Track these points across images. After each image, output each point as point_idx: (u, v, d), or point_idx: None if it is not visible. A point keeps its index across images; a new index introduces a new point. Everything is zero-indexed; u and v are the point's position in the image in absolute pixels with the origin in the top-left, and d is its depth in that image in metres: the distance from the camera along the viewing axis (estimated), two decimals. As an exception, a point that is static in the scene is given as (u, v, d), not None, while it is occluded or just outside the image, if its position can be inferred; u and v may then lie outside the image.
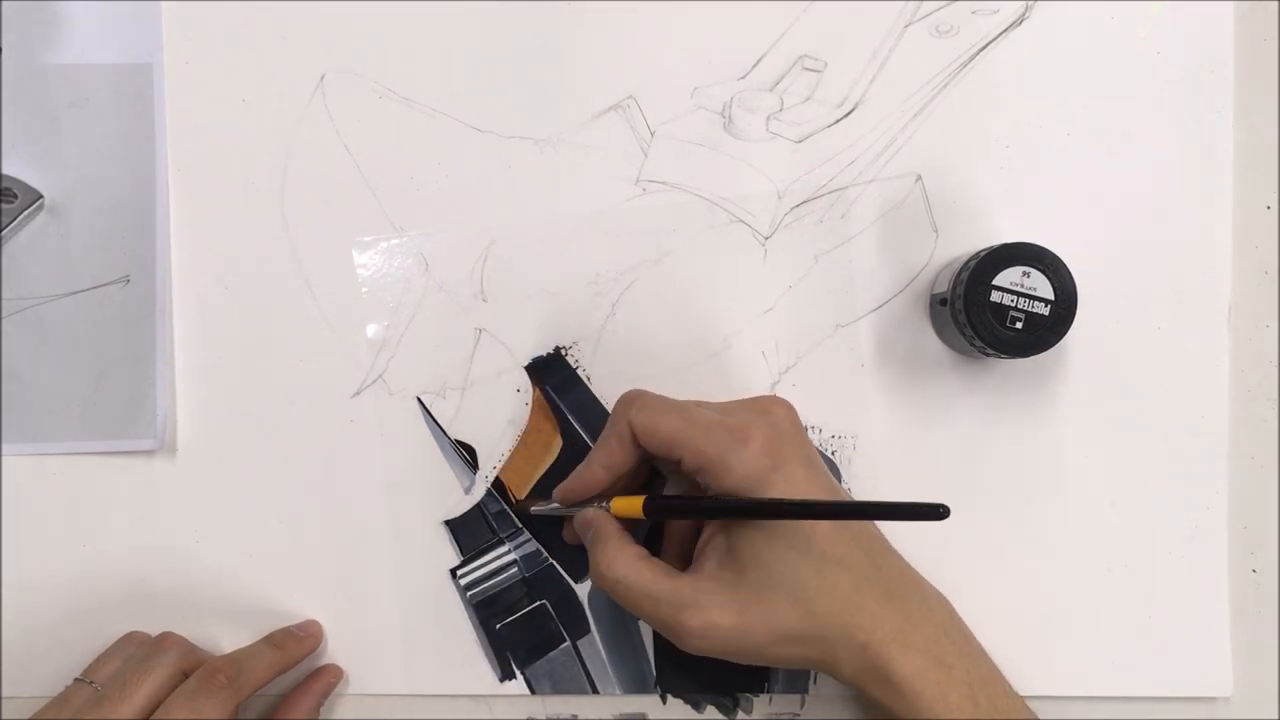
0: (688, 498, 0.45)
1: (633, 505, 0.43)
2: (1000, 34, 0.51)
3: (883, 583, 0.42)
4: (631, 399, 0.44)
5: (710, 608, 0.41)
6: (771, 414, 0.43)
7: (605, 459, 0.44)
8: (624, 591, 0.42)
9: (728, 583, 0.41)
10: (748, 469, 0.41)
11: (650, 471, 0.48)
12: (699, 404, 0.44)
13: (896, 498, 0.50)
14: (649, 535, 0.49)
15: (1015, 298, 0.45)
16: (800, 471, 0.42)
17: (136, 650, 0.48)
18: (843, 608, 0.41)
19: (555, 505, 0.47)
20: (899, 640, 0.41)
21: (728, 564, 0.42)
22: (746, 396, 0.46)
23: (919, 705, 0.41)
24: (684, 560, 0.46)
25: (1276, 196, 0.50)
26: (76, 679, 0.47)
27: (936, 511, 0.35)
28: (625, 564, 0.42)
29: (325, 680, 0.50)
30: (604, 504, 0.45)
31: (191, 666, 0.47)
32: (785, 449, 0.42)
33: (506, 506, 0.51)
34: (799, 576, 0.41)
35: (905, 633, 0.42)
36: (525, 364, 0.51)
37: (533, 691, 0.51)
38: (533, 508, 0.49)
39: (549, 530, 0.51)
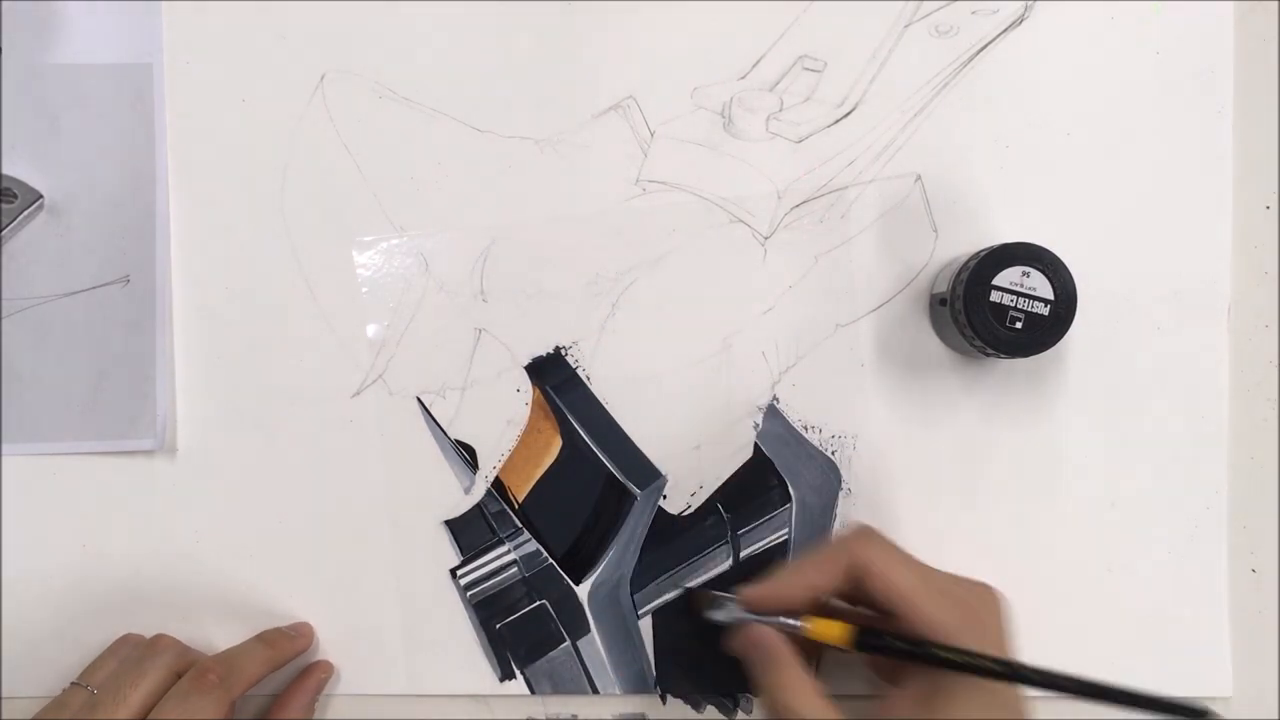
0: (913, 638, 0.41)
1: (836, 633, 0.42)
2: (1000, 34, 0.50)
3: None
4: (868, 535, 0.43)
5: None
6: (997, 603, 0.42)
7: (815, 581, 0.43)
8: (783, 705, 0.41)
9: (912, 710, 0.41)
10: (973, 646, 0.40)
11: None
12: (930, 567, 0.43)
13: (896, 497, 0.50)
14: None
15: (1015, 298, 0.45)
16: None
17: (130, 652, 0.48)
18: None
19: (737, 609, 0.44)
20: None
21: (930, 693, 0.41)
22: (960, 575, 0.43)
23: None
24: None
25: (1276, 196, 0.50)
26: (72, 683, 0.47)
27: (1204, 715, 0.34)
28: (807, 700, 0.41)
29: (316, 677, 0.50)
30: (793, 620, 0.43)
31: (185, 667, 0.47)
32: (1009, 644, 0.42)
33: (506, 506, 0.51)
34: None
35: None
36: (525, 364, 0.51)
37: (533, 691, 0.51)
38: (709, 612, 0.45)
39: (549, 531, 0.51)
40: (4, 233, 0.51)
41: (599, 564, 0.51)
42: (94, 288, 0.51)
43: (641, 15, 0.51)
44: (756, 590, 0.44)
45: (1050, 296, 0.45)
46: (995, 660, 0.39)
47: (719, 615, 0.45)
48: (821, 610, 0.44)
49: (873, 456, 0.50)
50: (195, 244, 0.52)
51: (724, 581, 0.51)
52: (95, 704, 0.45)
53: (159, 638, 0.49)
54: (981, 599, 0.43)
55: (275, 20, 0.52)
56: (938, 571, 0.43)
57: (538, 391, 0.51)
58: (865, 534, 0.43)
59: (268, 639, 0.49)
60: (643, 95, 0.51)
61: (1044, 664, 0.39)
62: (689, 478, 0.51)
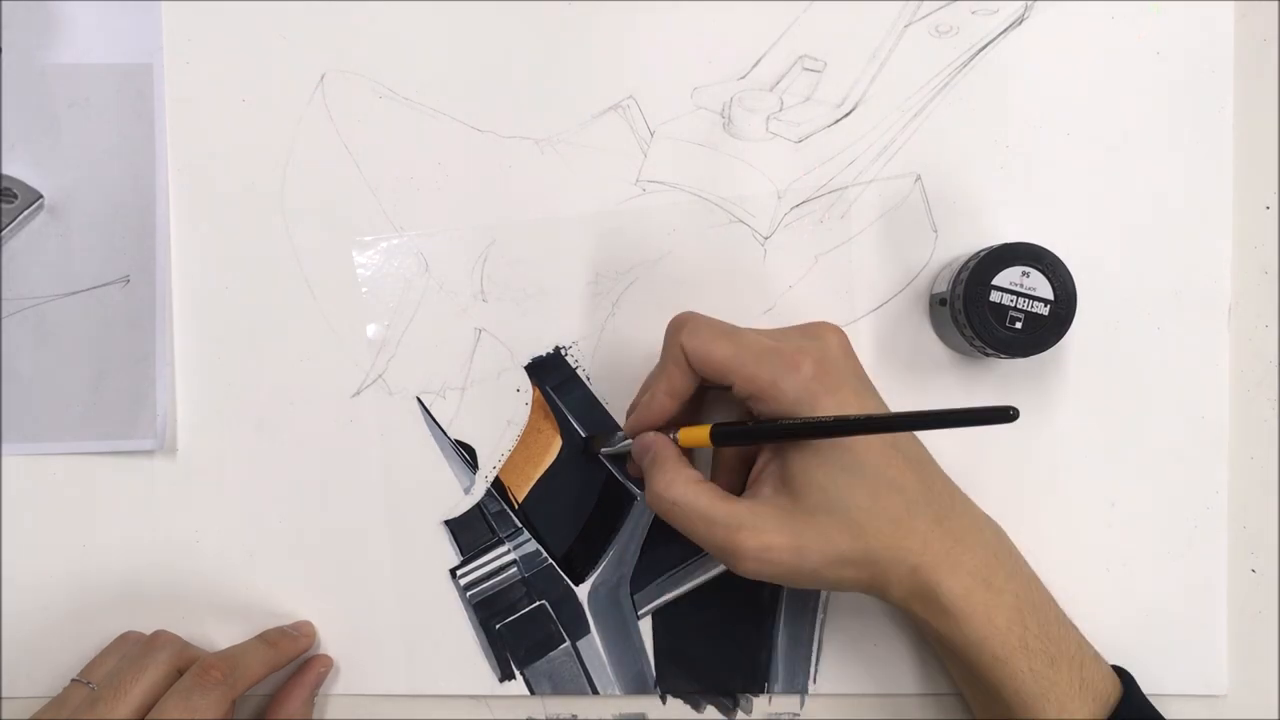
0: (754, 424, 0.44)
1: (699, 435, 0.44)
2: (1000, 34, 0.50)
3: (934, 505, 0.43)
4: (682, 322, 0.44)
5: (767, 531, 0.41)
6: (823, 339, 0.43)
7: (668, 386, 0.44)
8: (681, 513, 0.43)
9: (783, 507, 0.42)
10: (799, 393, 0.41)
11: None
12: (750, 330, 0.44)
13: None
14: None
15: (1015, 298, 0.45)
16: (851, 396, 0.42)
17: (131, 649, 0.48)
18: (894, 530, 0.41)
19: (625, 440, 0.48)
20: (948, 562, 0.42)
21: (783, 489, 0.43)
22: (798, 325, 0.45)
23: (966, 627, 0.41)
24: (736, 490, 0.46)
25: (1276, 196, 0.50)
26: (73, 680, 0.47)
27: (1005, 414, 0.34)
28: (683, 485, 0.43)
29: (315, 672, 0.50)
30: (671, 435, 0.45)
31: (185, 664, 0.47)
32: (836, 373, 0.42)
33: (506, 506, 0.51)
34: (853, 500, 0.41)
35: (954, 555, 0.42)
36: (525, 364, 0.51)
37: (532, 692, 0.51)
38: (602, 449, 0.49)
39: (548, 531, 0.51)
40: (4, 233, 0.51)
41: (599, 564, 0.51)
42: (94, 288, 0.51)
43: (641, 15, 0.51)
44: (632, 418, 0.47)
45: (1050, 296, 0.45)
46: (814, 423, 0.41)
47: (610, 448, 0.49)
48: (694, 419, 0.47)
49: (873, 456, 0.50)
50: (195, 244, 0.52)
51: (727, 580, 0.51)
52: (96, 700, 0.45)
53: (159, 634, 0.49)
54: (808, 338, 0.43)
55: (275, 20, 0.52)
56: (766, 330, 0.44)
57: (538, 391, 0.51)
58: (680, 321, 0.45)
59: (270, 638, 0.49)
60: (643, 95, 0.51)
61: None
62: (689, 478, 0.51)
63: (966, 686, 0.46)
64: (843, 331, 0.44)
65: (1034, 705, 0.41)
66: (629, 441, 0.47)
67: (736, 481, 0.47)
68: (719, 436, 0.43)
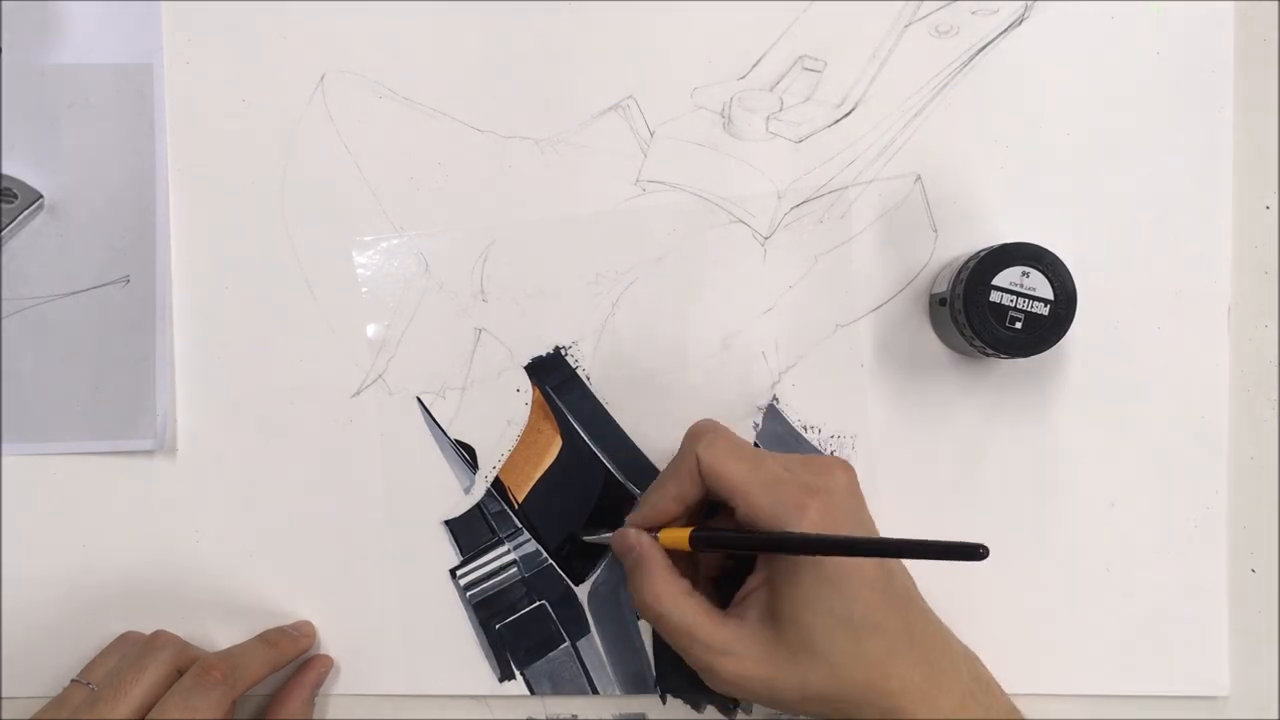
0: (735, 532, 0.44)
1: (679, 537, 0.44)
2: (1000, 34, 0.50)
3: (914, 646, 0.42)
4: (702, 431, 0.44)
5: (746, 659, 0.42)
6: (832, 477, 0.43)
7: (678, 491, 0.44)
8: (666, 626, 0.43)
9: (766, 639, 0.42)
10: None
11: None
12: (767, 454, 0.44)
13: (895, 497, 0.50)
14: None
15: (1015, 298, 0.45)
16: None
17: (131, 649, 0.48)
18: (873, 673, 0.41)
19: (607, 534, 0.48)
20: (925, 704, 0.42)
21: (768, 619, 0.42)
22: (810, 455, 0.45)
23: None
24: (712, 587, 0.47)
25: (1276, 196, 0.50)
26: (73, 680, 0.47)
27: (975, 552, 0.35)
28: (671, 599, 0.43)
29: (316, 672, 0.50)
30: (652, 533, 0.45)
31: (186, 664, 0.47)
32: (839, 515, 0.42)
33: (506, 506, 0.51)
34: (835, 643, 0.41)
35: (931, 696, 0.42)
36: (525, 364, 0.51)
37: (532, 692, 0.51)
38: (586, 536, 0.50)
39: (548, 531, 0.51)
40: (4, 233, 0.51)
41: (599, 564, 0.51)
42: (94, 288, 0.51)
43: (641, 15, 0.51)
44: (636, 514, 0.46)
45: (1050, 296, 0.45)
46: (798, 538, 0.40)
47: (592, 538, 0.49)
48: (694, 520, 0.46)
49: (872, 456, 0.50)
50: (195, 244, 0.52)
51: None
52: (96, 700, 0.45)
53: (159, 634, 0.49)
54: (818, 475, 0.43)
55: (275, 20, 0.52)
56: (780, 458, 0.44)
57: (538, 391, 0.51)
58: (700, 430, 0.45)
59: (270, 639, 0.49)
60: (643, 95, 0.51)
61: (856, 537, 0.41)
62: (689, 478, 0.51)
63: None
64: (853, 470, 0.44)
65: None
66: (609, 535, 0.47)
67: (715, 580, 0.47)
68: (699, 541, 0.43)
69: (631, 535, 0.45)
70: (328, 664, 0.51)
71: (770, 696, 0.42)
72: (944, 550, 0.36)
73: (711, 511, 0.47)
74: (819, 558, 0.41)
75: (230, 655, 0.48)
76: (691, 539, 0.43)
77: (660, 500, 0.45)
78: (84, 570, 0.51)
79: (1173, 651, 0.50)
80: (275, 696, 0.50)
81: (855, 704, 0.42)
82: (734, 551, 0.46)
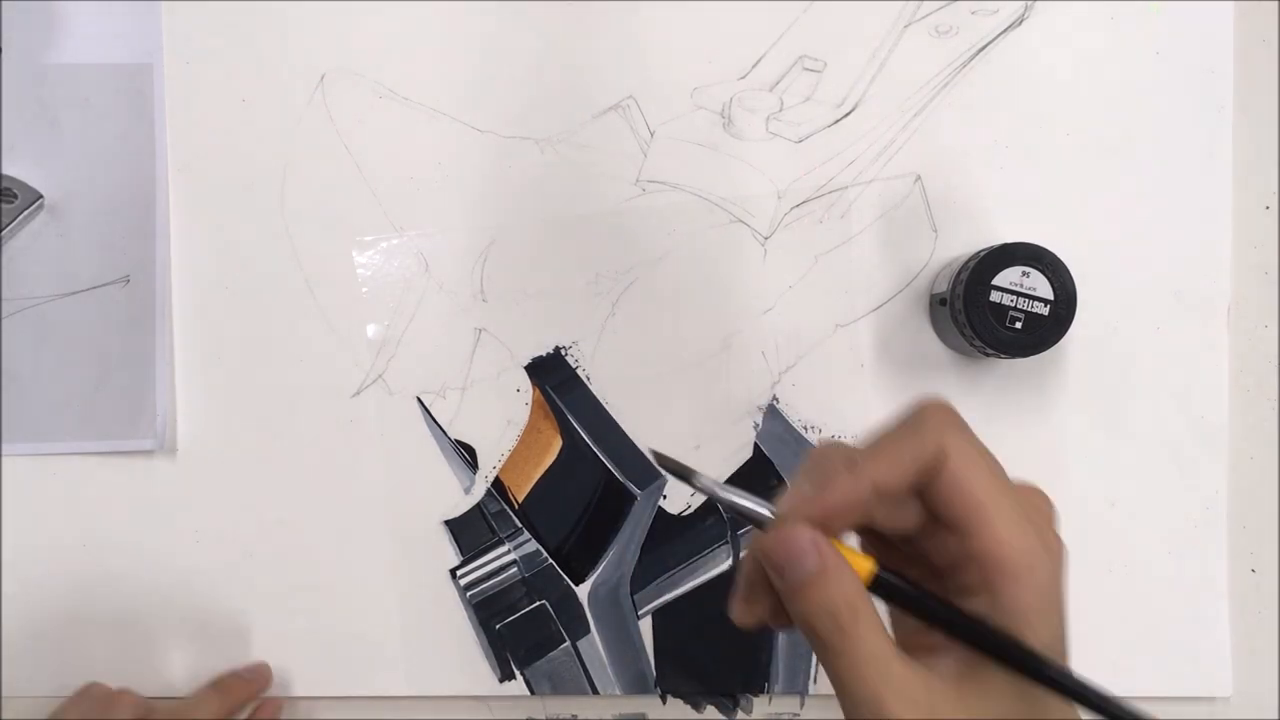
0: (944, 601, 0.30)
1: (857, 569, 0.30)
2: (1000, 34, 0.50)
3: None
4: (947, 418, 0.31)
5: (931, 715, 0.29)
6: (1058, 546, 0.32)
7: (886, 477, 0.30)
8: (849, 645, 0.29)
9: (958, 702, 0.30)
10: (1041, 595, 0.30)
11: None
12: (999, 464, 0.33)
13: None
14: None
15: (1015, 298, 0.45)
16: (1059, 630, 0.31)
17: (93, 707, 0.48)
18: None
19: (766, 509, 0.31)
20: None
21: (969, 679, 0.30)
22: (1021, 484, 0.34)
23: None
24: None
25: (1276, 196, 0.50)
26: None
27: None
28: (868, 624, 0.29)
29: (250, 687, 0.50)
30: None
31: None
32: (1058, 596, 0.31)
33: (506, 506, 0.51)
34: None
35: None
36: (525, 364, 0.51)
37: (532, 692, 0.51)
38: (738, 499, 0.31)
39: (548, 531, 0.51)
40: (4, 233, 0.51)
41: (599, 564, 0.51)
42: (94, 288, 0.51)
43: (641, 15, 0.51)
44: (800, 485, 0.30)
45: (1050, 296, 0.45)
46: (1043, 661, 0.30)
47: (738, 500, 0.31)
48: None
49: (873, 456, 0.50)
50: (195, 244, 0.52)
51: (726, 580, 0.51)
52: None
53: (122, 694, 0.49)
54: (1050, 535, 0.32)
55: (275, 20, 0.52)
56: (1014, 494, 0.32)
57: (538, 391, 0.51)
58: (946, 412, 0.31)
59: (223, 686, 0.50)
60: (643, 95, 0.51)
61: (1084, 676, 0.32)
62: (689, 478, 0.51)
63: None
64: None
65: None
66: (768, 510, 0.30)
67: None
68: (886, 589, 0.30)
69: (814, 539, 0.29)
70: (276, 709, 0.50)
71: None
72: None
73: None
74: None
75: (182, 707, 0.48)
76: (875, 583, 0.30)
77: (854, 486, 0.29)
78: (84, 570, 0.51)
79: (1173, 652, 0.50)
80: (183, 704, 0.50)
81: None
82: (929, 622, 0.31)
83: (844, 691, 0.30)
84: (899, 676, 0.29)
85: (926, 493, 0.31)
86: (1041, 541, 0.30)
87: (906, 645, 0.30)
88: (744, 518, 0.31)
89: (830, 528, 0.30)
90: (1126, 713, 0.31)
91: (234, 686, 0.50)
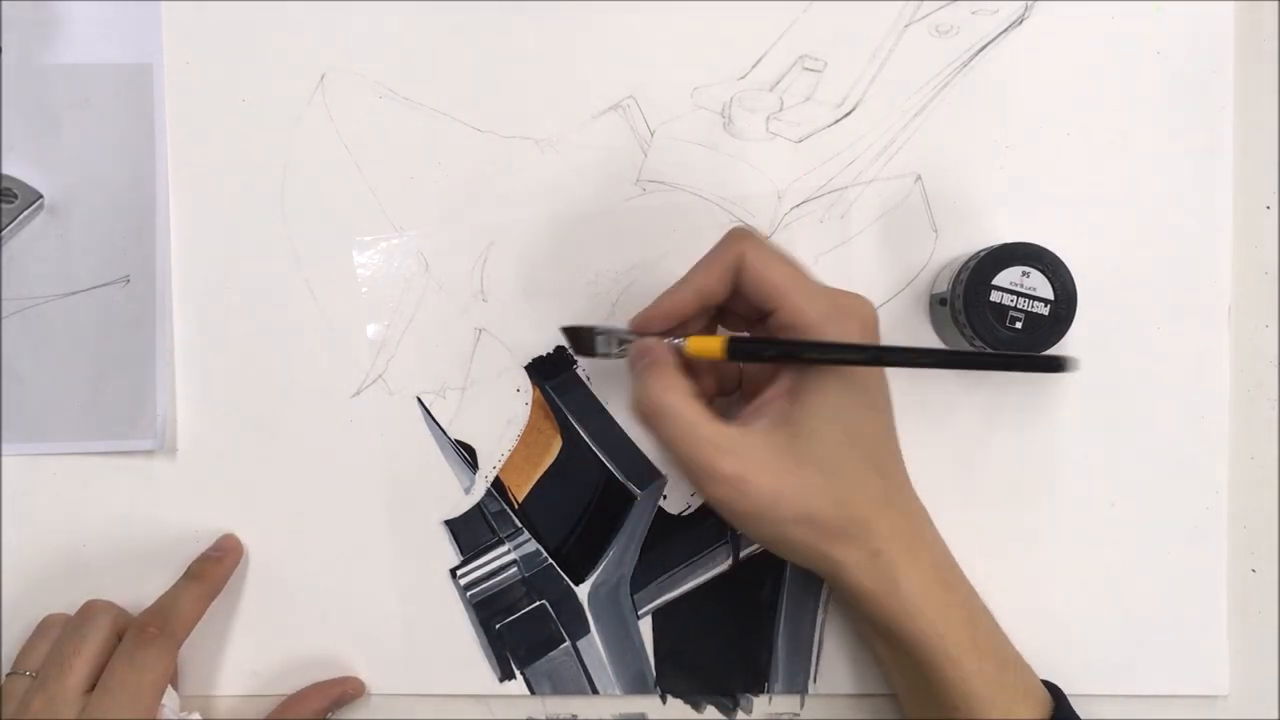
0: (780, 340, 0.41)
1: (711, 345, 0.41)
2: (1000, 34, 0.50)
3: (902, 495, 0.43)
4: (746, 233, 0.42)
5: (750, 461, 0.40)
6: (866, 307, 0.43)
7: (702, 283, 0.42)
8: (667, 421, 0.41)
9: (776, 445, 0.40)
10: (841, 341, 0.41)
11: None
12: (800, 265, 0.43)
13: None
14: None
15: (1015, 298, 0.45)
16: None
17: (66, 626, 0.48)
18: (871, 510, 0.41)
19: (624, 330, 0.45)
20: (909, 554, 0.42)
21: (782, 428, 0.41)
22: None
23: (921, 621, 0.41)
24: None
25: (1276, 196, 0.50)
26: (8, 674, 0.47)
27: (1061, 364, 0.34)
28: (677, 395, 0.41)
29: (342, 688, 0.50)
30: (678, 341, 0.43)
31: (123, 628, 0.47)
32: (874, 338, 0.42)
33: (506, 506, 0.51)
34: (845, 466, 0.40)
35: (915, 548, 0.42)
36: (525, 364, 0.51)
37: (532, 691, 0.51)
38: (598, 332, 0.45)
39: (548, 531, 0.51)
40: (4, 233, 0.51)
41: (599, 564, 0.51)
42: (94, 288, 0.51)
43: (641, 15, 0.51)
44: (645, 310, 0.43)
45: (1050, 296, 0.45)
46: (856, 347, 0.40)
47: (601, 347, 0.45)
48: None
49: (873, 456, 0.50)
50: (195, 244, 0.52)
51: (726, 580, 0.51)
52: (42, 682, 0.44)
53: (92, 603, 0.49)
54: (852, 300, 0.42)
55: (275, 20, 0.52)
56: (815, 279, 0.43)
57: (538, 391, 0.51)
58: (743, 232, 0.43)
59: (194, 571, 0.49)
60: (643, 95, 0.51)
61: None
62: (689, 478, 0.51)
63: (906, 686, 0.45)
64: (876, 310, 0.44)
65: (981, 707, 0.41)
66: (625, 330, 0.44)
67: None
68: (735, 349, 0.41)
69: (650, 341, 0.43)
70: (359, 689, 0.50)
71: (768, 510, 0.40)
72: (1027, 363, 0.37)
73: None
74: (850, 377, 0.41)
75: (161, 606, 0.48)
76: (728, 346, 0.41)
77: (680, 294, 0.43)
78: (84, 570, 0.51)
79: (1173, 651, 0.50)
80: (295, 695, 0.49)
81: (846, 537, 0.41)
82: (779, 360, 0.43)
83: (683, 465, 0.41)
84: (717, 435, 0.40)
85: (741, 289, 0.42)
86: (833, 305, 0.41)
87: (732, 420, 0.42)
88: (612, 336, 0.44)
89: (675, 330, 0.43)
90: (953, 355, 0.41)
91: (206, 570, 0.49)
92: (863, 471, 0.41)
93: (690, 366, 0.44)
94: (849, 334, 0.41)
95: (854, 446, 0.41)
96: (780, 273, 0.41)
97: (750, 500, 0.40)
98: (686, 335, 0.43)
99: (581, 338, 0.46)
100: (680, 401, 0.41)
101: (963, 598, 0.43)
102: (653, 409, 0.41)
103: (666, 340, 0.43)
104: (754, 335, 0.45)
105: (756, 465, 0.40)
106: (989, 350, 0.37)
